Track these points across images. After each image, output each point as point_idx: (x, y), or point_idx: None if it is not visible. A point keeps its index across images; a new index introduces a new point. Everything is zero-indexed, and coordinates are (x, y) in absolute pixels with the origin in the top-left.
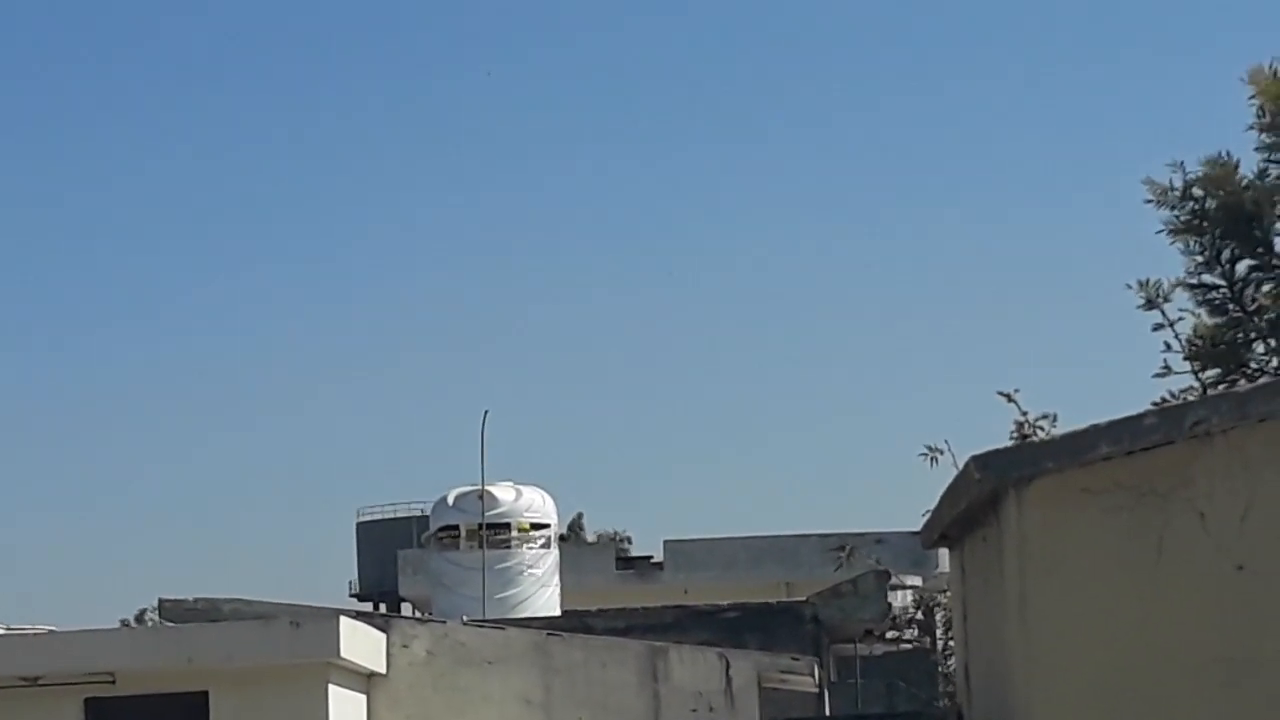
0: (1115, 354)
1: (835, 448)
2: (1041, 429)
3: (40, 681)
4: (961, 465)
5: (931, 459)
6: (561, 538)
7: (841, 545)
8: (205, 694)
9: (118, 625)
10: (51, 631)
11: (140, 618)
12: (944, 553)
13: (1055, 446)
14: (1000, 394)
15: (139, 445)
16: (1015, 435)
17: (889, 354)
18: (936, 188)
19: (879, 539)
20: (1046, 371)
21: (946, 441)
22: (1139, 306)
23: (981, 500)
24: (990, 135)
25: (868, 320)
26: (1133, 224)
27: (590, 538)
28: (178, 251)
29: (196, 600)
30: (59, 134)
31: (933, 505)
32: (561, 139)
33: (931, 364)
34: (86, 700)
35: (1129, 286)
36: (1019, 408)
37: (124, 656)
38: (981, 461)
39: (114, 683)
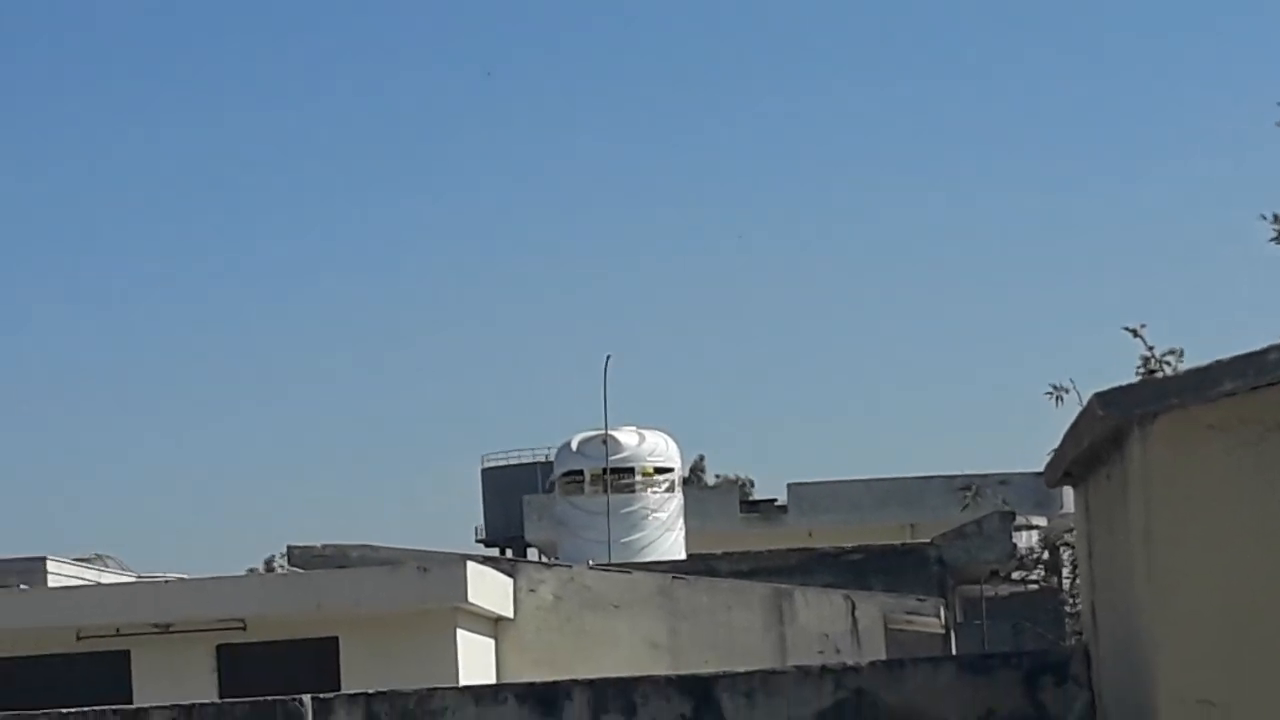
0: (1244, 288)
1: (959, 388)
2: (1168, 364)
3: (172, 629)
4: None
5: (1056, 398)
6: (684, 481)
7: (968, 485)
8: (335, 639)
9: (248, 573)
10: (183, 579)
11: (270, 565)
12: (1068, 492)
13: (1179, 382)
14: (1127, 329)
15: (267, 393)
16: (1141, 371)
17: (1013, 293)
18: (1059, 123)
19: (1003, 480)
20: (1174, 307)
21: (1071, 380)
22: (1270, 239)
23: (1105, 438)
24: (1115, 69)
25: (991, 260)
26: (1264, 155)
27: (711, 481)
28: (306, 199)
29: (325, 547)
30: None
31: (1057, 444)
32: (693, 83)
33: (1057, 302)
34: (218, 647)
35: (1262, 218)
36: (1145, 343)
37: (254, 603)
38: (1105, 398)
39: (245, 629)
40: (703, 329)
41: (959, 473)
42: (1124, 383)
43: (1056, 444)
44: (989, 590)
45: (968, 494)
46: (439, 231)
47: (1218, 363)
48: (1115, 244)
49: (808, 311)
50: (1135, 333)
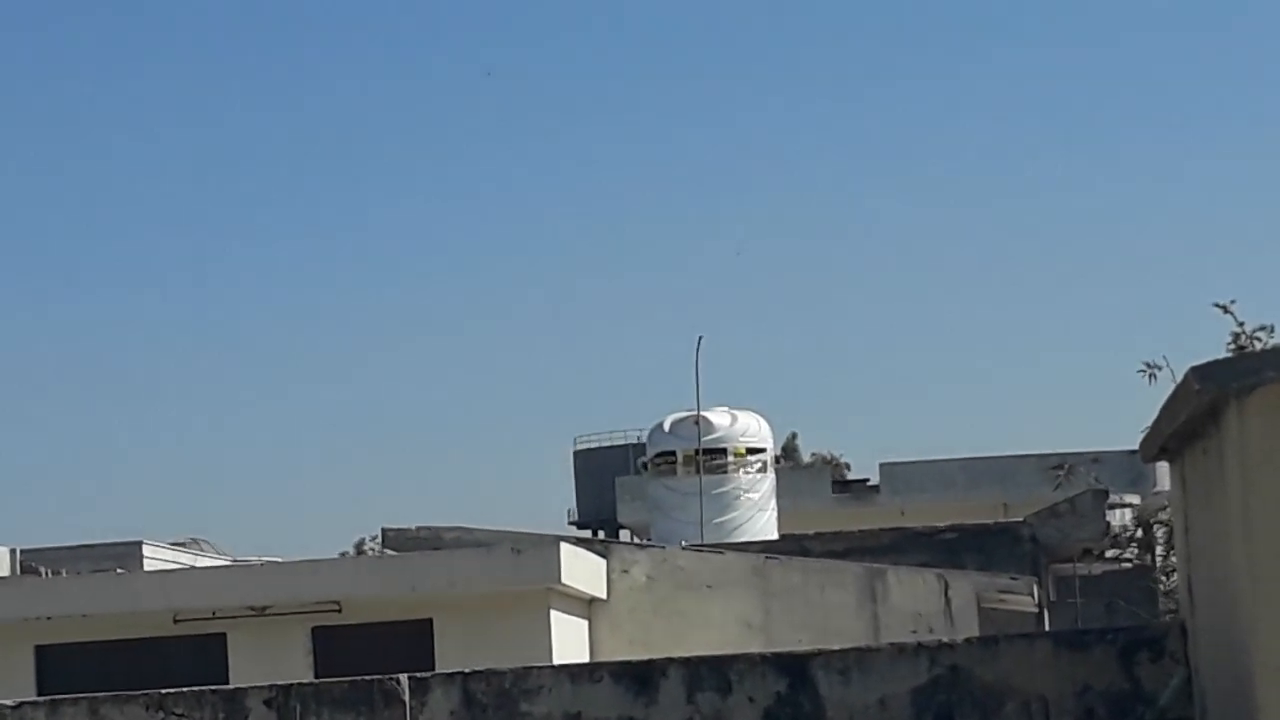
0: None
1: (1052, 367)
2: (1259, 340)
3: (268, 611)
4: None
5: (1149, 375)
6: (776, 461)
7: (1060, 464)
8: (429, 621)
9: (342, 555)
10: (278, 563)
11: (364, 547)
12: (1162, 470)
13: (1275, 356)
14: (1217, 305)
15: (362, 376)
16: (1232, 347)
17: (1106, 271)
18: (1150, 100)
19: (1096, 458)
20: (1263, 283)
21: (1164, 357)
22: None
23: (1201, 412)
24: (1202, 42)
25: (1083, 239)
26: None
27: (805, 460)
28: (398, 173)
29: (419, 529)
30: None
31: (1151, 420)
32: (777, 62)
33: (1149, 279)
34: (314, 629)
35: None
36: (1235, 319)
37: (349, 586)
38: (1201, 372)
39: (340, 611)
40: (794, 309)
41: (1052, 451)
42: (1218, 357)
43: (1151, 420)
44: (1082, 569)
45: (1060, 473)
46: (532, 213)
47: None
48: (1205, 221)
49: (899, 290)
50: (1226, 309)
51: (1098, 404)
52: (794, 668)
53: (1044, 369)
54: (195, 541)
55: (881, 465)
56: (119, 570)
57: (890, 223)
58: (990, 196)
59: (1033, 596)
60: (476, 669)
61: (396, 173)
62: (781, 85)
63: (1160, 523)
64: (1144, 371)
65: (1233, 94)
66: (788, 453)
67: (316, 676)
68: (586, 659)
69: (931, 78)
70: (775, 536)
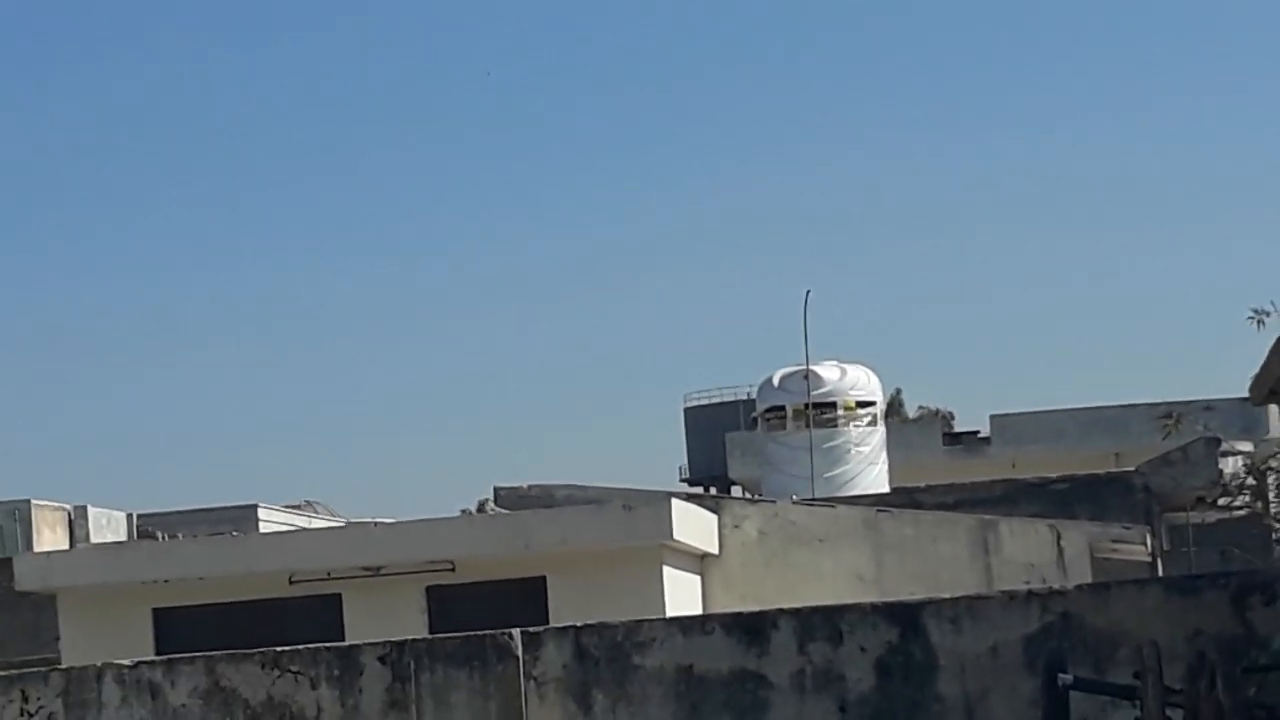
0: None
1: (1163, 315)
2: None
3: (382, 571)
4: None
5: (1258, 321)
6: (884, 415)
7: (1169, 413)
8: (543, 579)
9: (456, 515)
10: (392, 523)
11: (478, 507)
12: (1275, 415)
13: None
14: None
15: (474, 336)
16: None
17: (1216, 217)
18: (1255, 46)
19: (1207, 406)
20: None
21: (1273, 303)
22: None
23: None
24: None
25: (1194, 184)
26: None
27: (911, 414)
28: (505, 142)
29: (531, 488)
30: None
31: (1260, 364)
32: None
33: (1260, 224)
34: (428, 588)
35: None
36: None
37: (462, 545)
38: None
39: (454, 570)
40: (901, 261)
41: (1163, 400)
42: None
43: (1260, 365)
44: (1195, 517)
45: (1169, 422)
46: (638, 171)
47: None
48: None
49: (1005, 240)
50: None
51: (1209, 352)
52: (905, 617)
53: (1155, 317)
54: (309, 504)
55: (992, 417)
56: (235, 533)
57: (995, 171)
58: (1097, 143)
59: (1146, 546)
60: (589, 622)
61: (503, 127)
62: (873, 36)
63: (1273, 469)
64: (1253, 317)
65: None
66: (893, 408)
67: (431, 635)
68: (699, 614)
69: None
70: (886, 490)
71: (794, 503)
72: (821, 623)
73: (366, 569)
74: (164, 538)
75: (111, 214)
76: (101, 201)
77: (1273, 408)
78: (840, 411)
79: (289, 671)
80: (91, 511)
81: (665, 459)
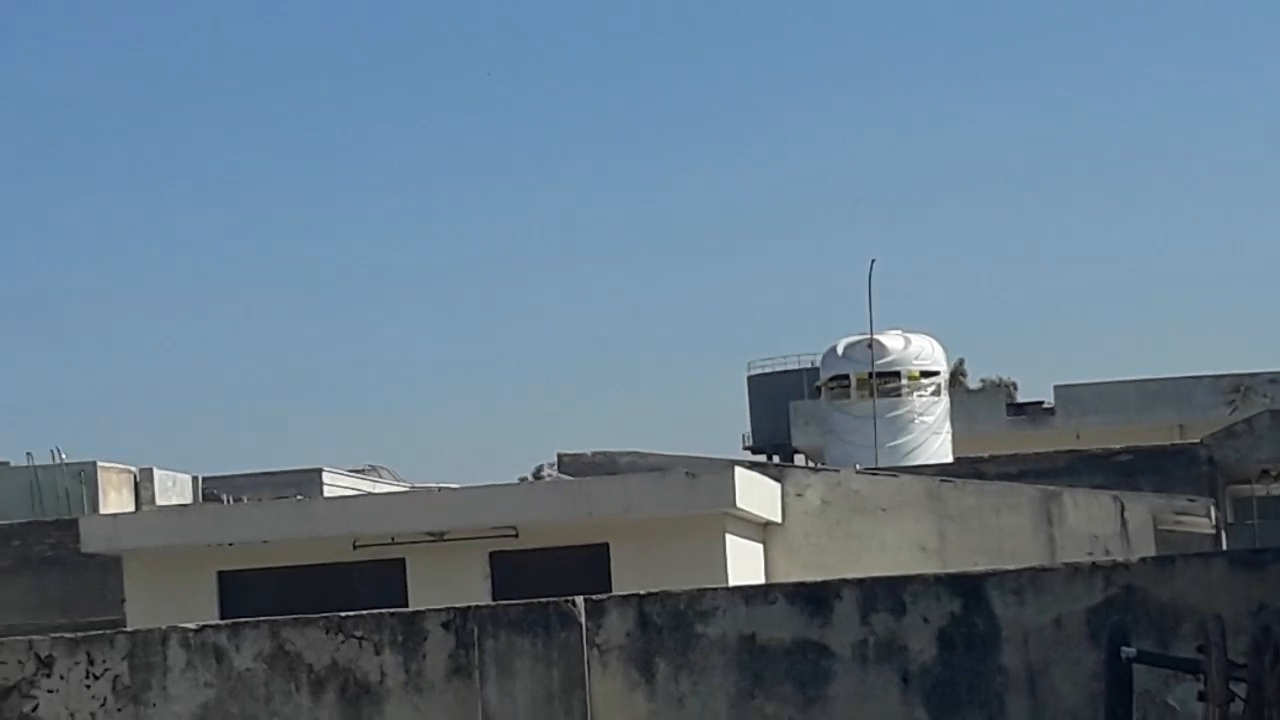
0: None
1: (1227, 288)
2: None
3: (446, 536)
4: None
5: None
6: (948, 385)
7: (1236, 387)
8: (605, 546)
9: (519, 481)
10: (456, 489)
11: (540, 473)
12: None
13: None
14: None
15: (537, 304)
16: None
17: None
18: None
19: (1273, 378)
20: None
21: None
22: None
23: None
24: None
25: (1261, 154)
26: None
27: (973, 385)
28: (563, 105)
29: (594, 454)
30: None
31: None
32: None
33: None
34: (491, 554)
35: None
36: None
37: (526, 511)
38: None
39: (517, 536)
40: (965, 231)
41: (1228, 372)
42: None
43: None
44: (1260, 490)
45: (1235, 394)
46: (706, 138)
47: None
48: None
49: (1069, 211)
50: None
51: (1274, 324)
52: (968, 588)
53: (1218, 289)
54: (374, 468)
55: (1056, 388)
56: (299, 497)
57: (1060, 140)
58: (1162, 115)
59: (1210, 518)
60: (652, 591)
61: (558, 92)
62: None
63: None
64: None
65: None
66: (956, 378)
67: (494, 601)
68: (761, 583)
69: None
70: (950, 460)
71: (857, 472)
72: (884, 593)
73: (430, 534)
74: (229, 501)
75: (180, 168)
76: (161, 155)
77: None
78: (904, 381)
79: (353, 637)
80: (157, 474)
81: (729, 427)
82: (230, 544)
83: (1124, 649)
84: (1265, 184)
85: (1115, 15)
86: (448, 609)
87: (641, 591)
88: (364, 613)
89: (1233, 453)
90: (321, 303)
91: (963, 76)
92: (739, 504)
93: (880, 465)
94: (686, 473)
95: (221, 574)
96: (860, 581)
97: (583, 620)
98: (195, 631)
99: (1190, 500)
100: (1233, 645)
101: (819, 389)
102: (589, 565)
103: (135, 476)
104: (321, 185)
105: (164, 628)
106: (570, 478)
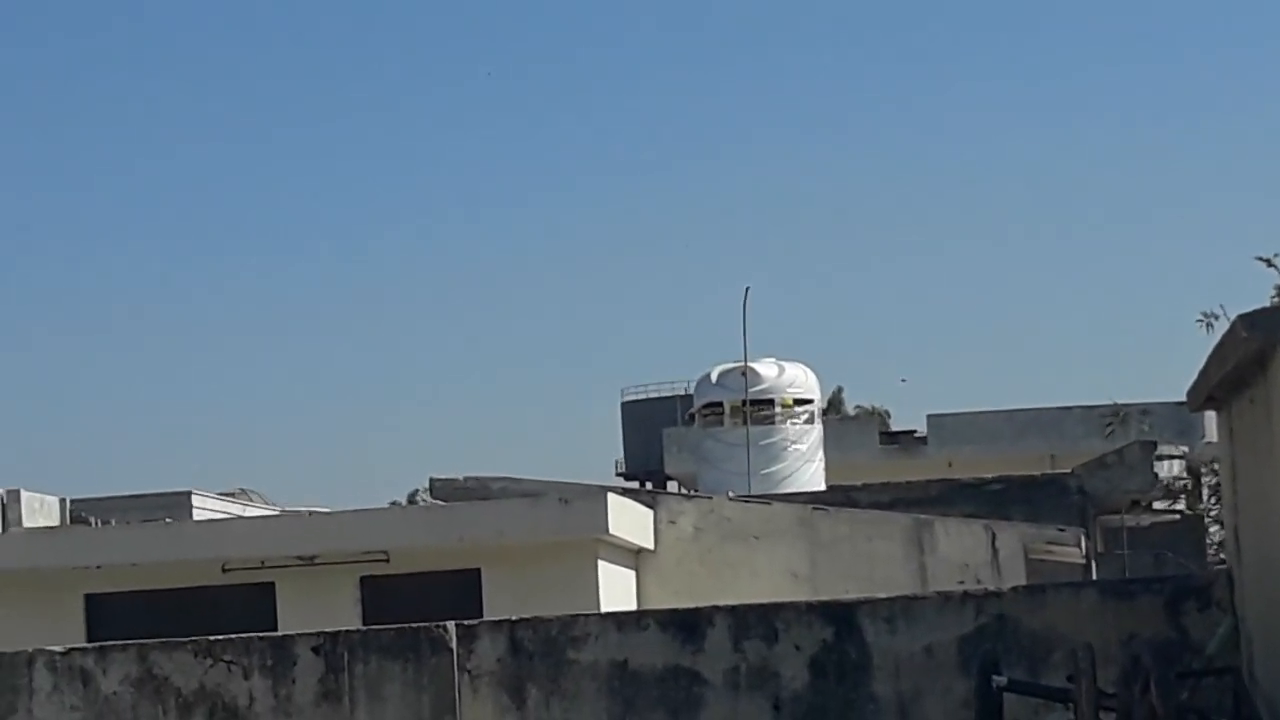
0: None
1: (1099, 318)
2: None
3: (317, 561)
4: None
5: (1207, 325)
6: (823, 413)
7: (1115, 411)
8: (477, 571)
9: (390, 505)
10: (326, 513)
11: (412, 498)
12: (1210, 421)
13: None
14: (1260, 259)
15: (408, 328)
16: (1276, 299)
17: (1154, 221)
18: (1204, 48)
19: (1144, 409)
20: None
21: (1221, 307)
22: None
23: (1249, 360)
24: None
25: (1131, 186)
26: None
27: (850, 412)
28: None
29: (467, 479)
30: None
31: (1199, 369)
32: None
33: (1199, 228)
34: (362, 579)
35: None
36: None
37: (397, 535)
38: (1249, 320)
39: (388, 561)
40: (840, 260)
41: (1099, 403)
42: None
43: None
44: (1130, 520)
45: (1114, 419)
46: (579, 167)
47: None
48: (1250, 172)
49: (945, 241)
50: (1269, 263)
51: (1145, 355)
52: (840, 616)
53: (1091, 320)
54: (244, 492)
55: (929, 417)
56: (168, 520)
57: (933, 172)
58: (1038, 143)
59: (1080, 548)
60: (524, 616)
61: (452, 125)
62: (813, 36)
63: (1210, 472)
64: (1202, 321)
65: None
66: (833, 406)
67: (365, 625)
68: (634, 610)
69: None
70: (822, 487)
71: (730, 499)
72: (756, 620)
73: (300, 558)
74: (97, 523)
75: (53, 197)
76: (43, 178)
77: (1209, 413)
78: (777, 409)
79: (222, 661)
80: (24, 495)
81: (602, 453)
82: (98, 566)
83: (995, 677)
84: (1137, 212)
85: (978, 54)
86: (318, 633)
87: (513, 617)
88: (233, 636)
89: (1103, 483)
90: (190, 323)
91: (830, 101)
92: (611, 530)
93: (753, 493)
94: (559, 498)
95: (89, 596)
96: (733, 609)
97: (454, 645)
98: (62, 654)
99: (1061, 530)
100: (1103, 675)
101: (692, 416)
102: (461, 590)
103: (2, 498)
104: (193, 208)
105: (30, 650)
106: (442, 503)
